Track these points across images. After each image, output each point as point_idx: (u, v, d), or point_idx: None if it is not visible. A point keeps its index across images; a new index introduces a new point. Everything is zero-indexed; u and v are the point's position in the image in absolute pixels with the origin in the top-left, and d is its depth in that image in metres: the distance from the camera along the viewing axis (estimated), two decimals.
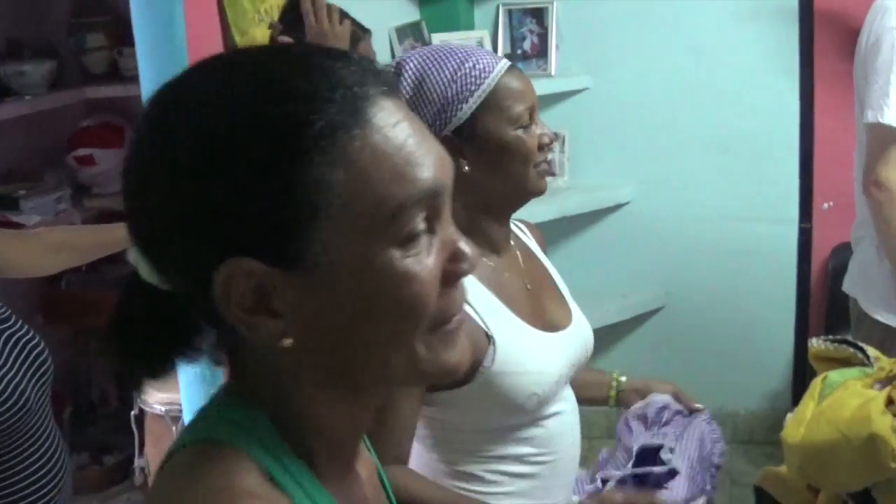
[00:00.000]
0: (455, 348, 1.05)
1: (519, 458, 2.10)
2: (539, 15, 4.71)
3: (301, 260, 0.95)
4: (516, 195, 2.09)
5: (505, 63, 2.05)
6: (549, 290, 2.25)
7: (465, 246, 1.03)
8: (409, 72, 2.02)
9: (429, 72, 2.01)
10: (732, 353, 4.74)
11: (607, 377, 2.48)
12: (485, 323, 2.00)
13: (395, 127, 0.98)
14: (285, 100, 0.94)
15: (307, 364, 1.02)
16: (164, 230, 0.98)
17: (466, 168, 1.99)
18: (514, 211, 2.16)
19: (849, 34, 3.22)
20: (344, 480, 1.11)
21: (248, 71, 0.99)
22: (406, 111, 1.01)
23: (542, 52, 4.71)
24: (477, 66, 2.01)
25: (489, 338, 1.99)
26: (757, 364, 4.74)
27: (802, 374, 4.31)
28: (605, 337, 4.78)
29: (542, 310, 2.16)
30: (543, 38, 4.70)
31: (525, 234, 2.32)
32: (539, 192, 2.10)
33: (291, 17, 3.00)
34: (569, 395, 2.20)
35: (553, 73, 4.68)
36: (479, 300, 2.02)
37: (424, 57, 2.05)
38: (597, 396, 2.47)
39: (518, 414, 2.06)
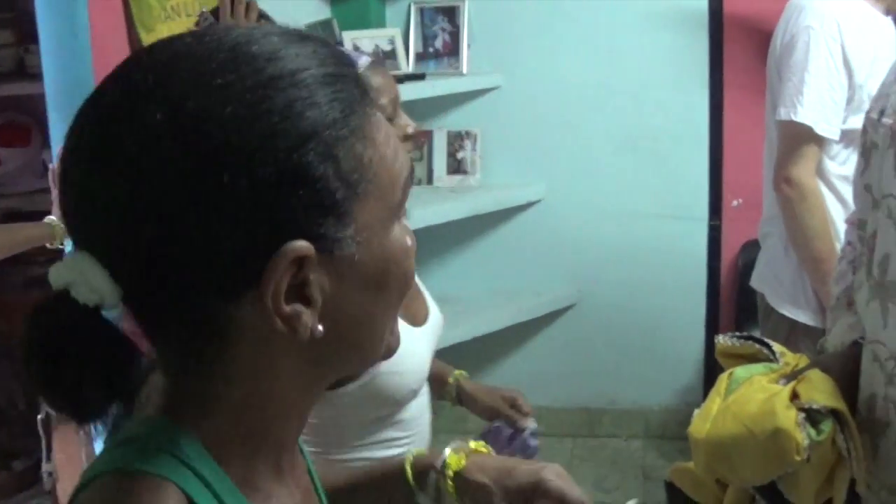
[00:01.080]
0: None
1: (387, 442, 2.16)
2: (451, 13, 4.71)
3: (340, 241, 0.95)
4: None
5: (367, 59, 2.07)
6: None
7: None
8: None
9: None
10: (644, 349, 4.79)
11: (447, 375, 2.47)
12: None
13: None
14: (329, 82, 0.95)
15: (318, 355, 0.99)
16: (189, 225, 0.90)
17: None
18: None
19: (757, 34, 3.27)
20: (280, 492, 1.07)
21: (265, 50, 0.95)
22: None
23: (453, 50, 4.70)
24: None
25: None
26: (669, 360, 4.79)
27: (713, 370, 4.35)
28: (518, 334, 4.79)
29: (408, 303, 2.18)
30: (455, 36, 4.70)
31: None
32: None
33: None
34: (425, 392, 2.27)
35: (465, 71, 4.68)
36: None
37: None
38: (435, 391, 2.47)
39: (392, 406, 2.13)
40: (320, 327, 0.96)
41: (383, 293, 1.01)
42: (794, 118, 3.02)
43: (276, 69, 0.93)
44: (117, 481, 0.94)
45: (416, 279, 2.30)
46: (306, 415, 1.08)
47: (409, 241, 1.03)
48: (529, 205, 4.76)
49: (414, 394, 2.15)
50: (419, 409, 2.22)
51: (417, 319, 2.21)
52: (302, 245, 0.91)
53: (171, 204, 0.89)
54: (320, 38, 1.01)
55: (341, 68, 0.98)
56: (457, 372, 2.48)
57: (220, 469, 0.97)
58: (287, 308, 0.93)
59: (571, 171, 4.69)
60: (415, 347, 2.14)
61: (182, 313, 0.94)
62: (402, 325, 2.06)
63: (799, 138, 3.03)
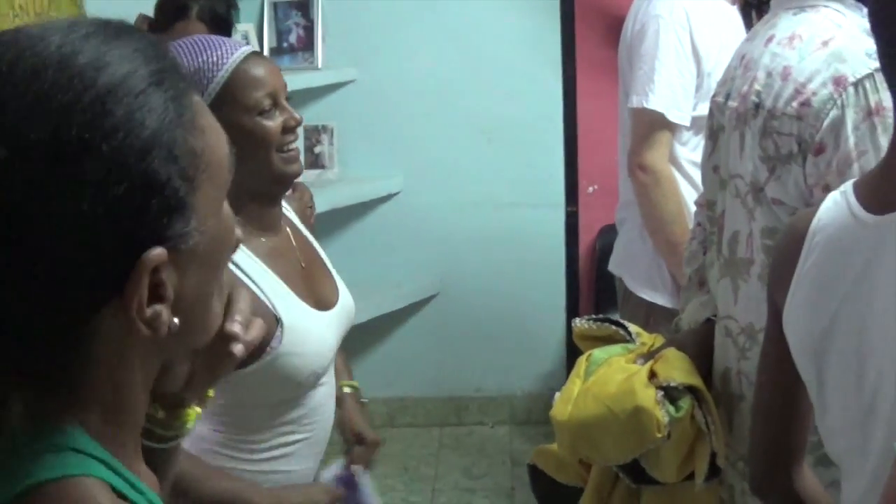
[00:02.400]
0: None
1: (289, 427, 2.14)
2: (304, 8, 4.68)
3: (186, 235, 0.95)
4: (268, 181, 2.08)
5: (243, 51, 2.04)
6: (319, 266, 2.28)
7: None
8: None
9: None
10: (507, 336, 4.83)
11: (339, 380, 2.45)
12: (272, 304, 2.03)
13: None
14: (158, 80, 0.95)
15: (161, 343, 0.99)
16: (47, 247, 0.89)
17: None
18: (279, 194, 2.17)
19: (609, 20, 3.33)
20: (143, 469, 1.07)
21: (91, 55, 0.93)
22: None
23: (308, 44, 4.68)
24: (212, 57, 2.00)
25: (277, 319, 2.02)
26: (531, 345, 4.85)
27: (575, 354, 4.39)
28: (382, 326, 4.80)
29: (315, 287, 2.20)
30: (309, 30, 4.68)
31: (288, 210, 2.33)
32: (290, 175, 2.12)
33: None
34: (331, 366, 2.24)
35: (320, 65, 4.66)
36: (265, 281, 2.05)
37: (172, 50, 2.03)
38: None
39: (296, 389, 2.10)
40: (176, 320, 0.97)
41: (217, 269, 1.03)
42: (645, 105, 3.08)
43: (108, 78, 0.92)
44: (47, 494, 0.92)
45: (328, 263, 2.32)
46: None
47: (229, 209, 1.04)
48: (388, 197, 4.77)
49: (316, 377, 2.12)
50: (324, 397, 2.20)
51: (324, 303, 2.18)
52: (158, 253, 0.92)
53: (31, 227, 0.89)
54: (132, 28, 1.00)
55: (163, 61, 0.97)
56: (346, 382, 2.46)
57: (111, 456, 0.97)
58: (148, 312, 0.94)
59: (429, 162, 4.72)
60: (318, 330, 2.12)
61: (45, 329, 0.93)
62: (305, 308, 2.09)
63: (652, 125, 3.09)
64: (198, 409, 1.26)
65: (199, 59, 1.99)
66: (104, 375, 0.97)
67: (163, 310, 0.94)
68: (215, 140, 1.00)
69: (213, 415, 2.05)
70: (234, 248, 1.06)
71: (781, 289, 1.62)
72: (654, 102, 3.07)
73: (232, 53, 2.02)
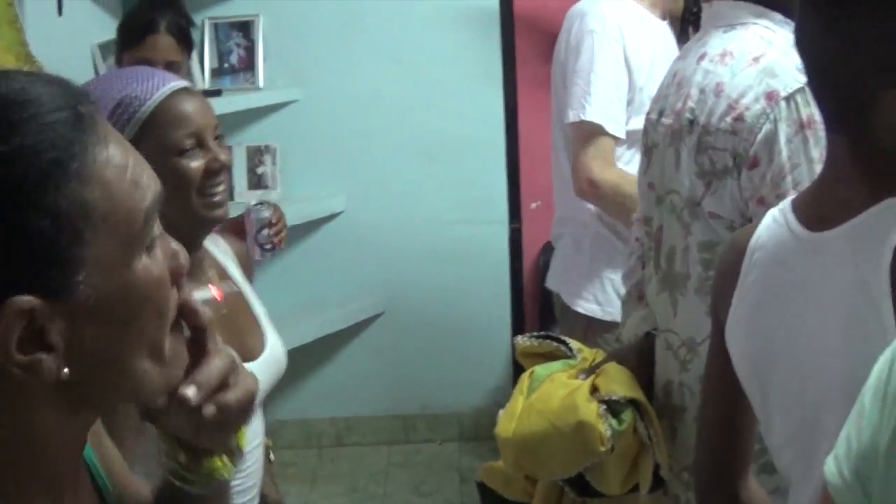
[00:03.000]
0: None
1: None
2: (245, 28, 4.68)
3: (71, 287, 0.94)
4: (188, 224, 1.95)
5: (171, 87, 1.97)
6: (245, 315, 2.21)
7: (175, 243, 1.06)
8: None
9: (100, 101, 1.96)
10: (454, 353, 4.85)
11: None
12: None
13: (116, 142, 1.00)
14: (28, 131, 0.93)
15: (70, 392, 0.98)
16: None
17: None
18: (199, 238, 2.07)
19: (549, 36, 3.35)
20: None
21: None
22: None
23: (249, 65, 4.68)
24: (135, 92, 1.93)
25: None
26: (478, 362, 4.86)
27: (521, 369, 4.43)
28: (328, 346, 4.80)
29: (237, 337, 2.09)
30: (250, 51, 4.67)
31: (224, 252, 2.27)
32: (210, 220, 2.03)
33: None
34: (257, 418, 2.18)
35: (261, 85, 4.66)
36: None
37: (99, 84, 2.00)
38: None
39: None
40: (66, 370, 0.96)
41: (132, 328, 1.00)
42: (584, 118, 3.09)
43: None
44: None
45: (258, 312, 2.24)
46: (79, 447, 1.08)
47: (156, 271, 1.01)
48: (331, 216, 4.76)
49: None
50: (251, 447, 2.11)
51: (247, 354, 2.07)
52: (25, 300, 0.92)
53: None
54: (61, 79, 1.00)
55: (66, 111, 0.97)
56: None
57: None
58: (24, 357, 0.94)
59: (372, 180, 4.72)
60: None
61: None
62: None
63: (592, 138, 3.10)
64: (224, 460, 1.24)
65: (123, 93, 1.92)
66: None
67: (44, 357, 0.94)
68: (124, 192, 0.98)
69: (140, 461, 2.04)
70: (163, 315, 1.03)
71: (724, 305, 1.65)
72: (592, 114, 3.08)
73: (158, 88, 1.94)
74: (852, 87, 1.45)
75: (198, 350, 1.11)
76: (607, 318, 3.16)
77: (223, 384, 1.14)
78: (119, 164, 0.98)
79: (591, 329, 3.21)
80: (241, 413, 1.18)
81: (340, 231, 4.77)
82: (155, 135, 1.91)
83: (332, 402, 4.84)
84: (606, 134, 3.08)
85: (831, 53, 1.46)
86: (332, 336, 4.75)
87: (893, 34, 1.40)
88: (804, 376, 1.51)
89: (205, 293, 2.06)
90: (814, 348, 1.49)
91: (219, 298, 2.09)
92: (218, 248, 2.26)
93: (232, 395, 1.15)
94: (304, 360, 4.61)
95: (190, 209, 1.97)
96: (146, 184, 1.00)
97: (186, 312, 1.08)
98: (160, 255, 1.03)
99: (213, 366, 1.13)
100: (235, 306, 2.18)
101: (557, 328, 3.42)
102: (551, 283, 3.48)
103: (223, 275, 2.21)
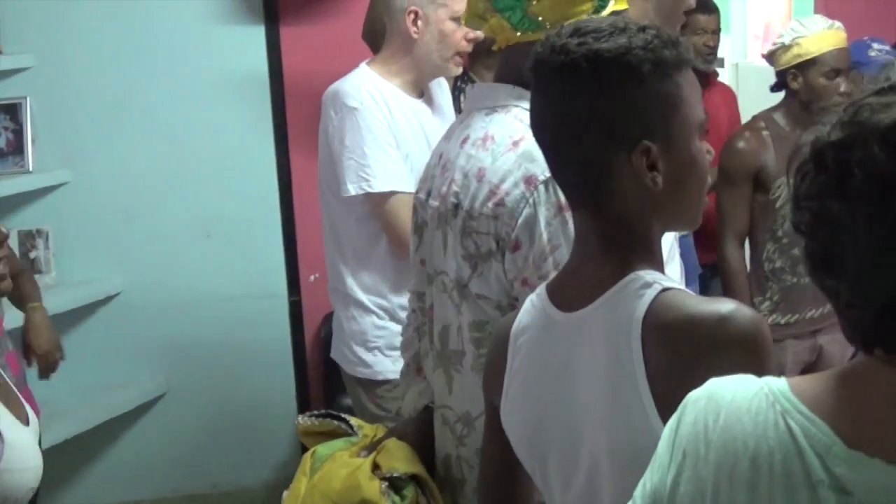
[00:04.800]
0: None
1: None
2: (13, 111, 4.58)
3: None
4: None
5: None
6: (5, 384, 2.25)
7: None
8: None
9: None
10: (240, 430, 4.82)
11: None
12: None
13: None
14: None
15: None
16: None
17: None
18: None
19: (319, 104, 3.40)
20: None
21: None
22: None
23: (17, 148, 4.58)
24: None
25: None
26: (265, 437, 4.84)
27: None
28: (112, 430, 4.70)
29: (10, 403, 2.15)
30: (19, 134, 4.57)
31: None
32: None
33: None
34: None
35: (31, 168, 4.56)
36: None
37: None
38: None
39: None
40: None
41: None
42: (371, 191, 3.17)
43: None
44: None
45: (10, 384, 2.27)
46: None
47: None
48: (108, 299, 4.68)
49: (32, 492, 2.09)
50: None
51: (23, 419, 2.15)
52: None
53: None
54: None
55: None
56: None
57: None
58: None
59: (148, 260, 4.67)
60: (29, 445, 2.10)
61: None
62: (14, 423, 2.06)
63: (384, 205, 3.18)
64: None
65: None
66: None
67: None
68: None
69: None
70: None
71: (496, 389, 1.73)
72: (380, 185, 3.17)
73: None
74: (587, 161, 1.57)
75: None
76: (379, 377, 3.25)
77: None
78: None
79: (369, 391, 3.29)
80: None
81: (119, 313, 4.70)
82: None
83: (122, 487, 4.74)
84: (401, 192, 3.15)
85: (564, 131, 1.58)
86: (115, 420, 4.66)
87: (614, 103, 1.54)
88: (577, 449, 1.59)
89: None
90: (583, 422, 1.58)
91: None
92: None
93: None
94: (90, 445, 4.52)
95: None
96: None
97: None
98: None
99: None
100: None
101: (346, 398, 3.48)
102: (334, 353, 3.53)
103: None
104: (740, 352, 1.43)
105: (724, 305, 1.49)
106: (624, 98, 1.54)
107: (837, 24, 3.86)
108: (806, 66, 3.83)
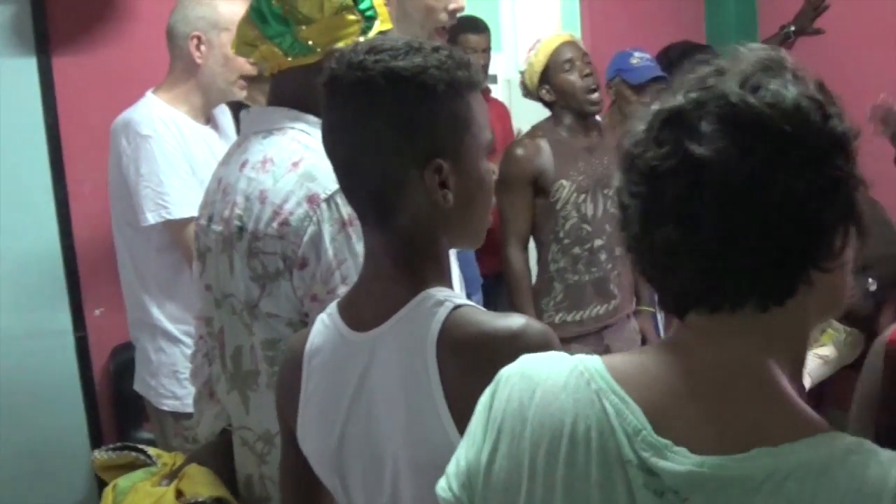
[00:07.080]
0: None
1: None
2: None
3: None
4: None
5: None
6: None
7: None
8: None
9: None
10: (32, 473, 4.65)
11: None
12: None
13: None
14: None
15: None
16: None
17: None
18: None
19: (96, 137, 3.35)
20: None
21: None
22: None
23: None
24: None
25: None
26: (58, 478, 4.69)
27: (105, 483, 4.35)
28: None
29: None
30: None
31: None
32: None
33: None
34: None
35: None
36: None
37: None
38: None
39: None
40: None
41: None
42: (170, 217, 3.15)
43: None
44: None
45: None
46: None
47: None
48: None
49: None
50: None
51: None
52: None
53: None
54: None
55: None
56: None
57: None
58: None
59: None
60: None
61: None
62: None
63: (183, 231, 3.15)
64: None
65: None
66: None
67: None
68: None
69: None
70: None
71: (291, 410, 1.75)
72: (178, 212, 3.16)
73: None
74: (380, 176, 1.60)
75: None
76: (189, 409, 3.24)
77: None
78: None
79: (178, 423, 3.27)
80: None
81: None
82: None
83: None
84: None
85: (357, 148, 1.60)
86: None
87: (410, 121, 1.57)
88: (379, 465, 1.62)
89: None
90: (384, 439, 1.61)
91: None
92: None
93: None
94: None
95: None
96: None
97: None
98: None
99: None
100: None
101: (142, 431, 3.44)
102: (137, 386, 3.49)
103: None
104: None
105: (515, 321, 1.53)
106: (419, 116, 1.57)
107: (560, 31, 4.14)
108: (546, 75, 4.08)
